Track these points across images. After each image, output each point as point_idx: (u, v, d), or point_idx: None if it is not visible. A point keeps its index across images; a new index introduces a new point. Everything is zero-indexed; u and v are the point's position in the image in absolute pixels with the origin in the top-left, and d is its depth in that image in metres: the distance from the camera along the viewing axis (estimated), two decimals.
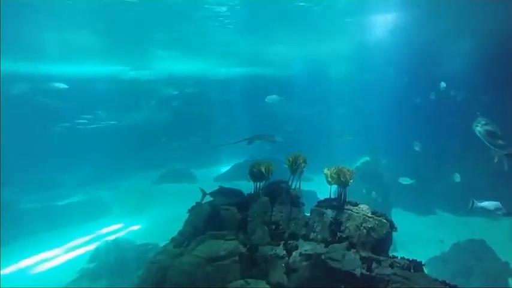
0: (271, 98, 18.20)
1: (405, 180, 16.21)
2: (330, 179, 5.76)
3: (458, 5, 14.28)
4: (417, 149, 17.12)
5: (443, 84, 16.30)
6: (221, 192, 5.96)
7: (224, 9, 15.91)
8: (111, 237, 13.46)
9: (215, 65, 29.96)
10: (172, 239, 6.12)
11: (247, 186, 6.33)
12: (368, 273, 4.64)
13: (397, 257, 5.08)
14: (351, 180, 5.73)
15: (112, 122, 23.80)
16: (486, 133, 8.48)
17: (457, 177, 15.13)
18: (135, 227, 15.26)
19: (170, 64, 28.68)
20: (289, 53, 25.80)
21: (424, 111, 18.87)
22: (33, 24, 16.56)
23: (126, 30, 19.05)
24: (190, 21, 17.77)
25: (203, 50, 24.44)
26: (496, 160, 8.99)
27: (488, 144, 8.69)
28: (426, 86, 18.43)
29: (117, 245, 12.42)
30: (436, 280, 4.54)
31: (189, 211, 6.42)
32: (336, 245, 5.22)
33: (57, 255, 12.96)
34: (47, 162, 20.13)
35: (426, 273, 4.83)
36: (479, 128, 8.57)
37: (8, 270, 11.91)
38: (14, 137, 18.48)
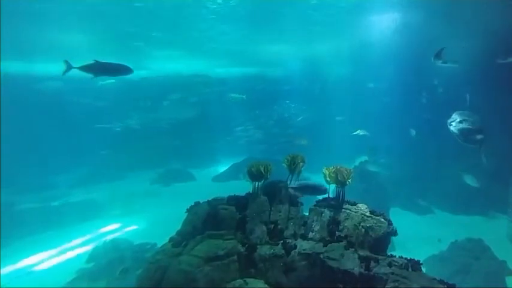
0: (233, 96, 18.89)
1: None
2: (328, 179, 5.78)
3: (457, 5, 14.32)
4: (413, 134, 17.12)
5: (435, 82, 16.32)
6: (304, 187, 5.82)
7: (223, 7, 15.93)
8: (109, 237, 13.46)
9: (214, 65, 29.97)
10: (171, 239, 6.13)
11: (245, 186, 6.34)
12: (366, 272, 4.66)
13: (395, 256, 5.09)
14: (349, 180, 5.75)
15: (112, 123, 23.78)
16: (460, 132, 7.89)
17: (469, 179, 13.87)
18: (133, 227, 15.23)
19: (167, 64, 28.66)
20: (287, 52, 25.80)
21: (422, 112, 18.91)
22: (36, 24, 16.59)
23: (124, 29, 19.03)
24: (189, 20, 17.77)
25: (203, 49, 24.43)
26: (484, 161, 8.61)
27: (463, 143, 8.30)
28: (426, 86, 18.52)
29: (115, 245, 12.41)
30: (434, 279, 4.55)
31: (188, 211, 6.42)
32: (334, 244, 5.23)
33: (56, 256, 12.91)
34: (44, 162, 20.10)
35: (424, 272, 4.85)
36: (452, 128, 8.00)
37: (6, 270, 11.88)
38: (10, 136, 18.49)
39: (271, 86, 28.32)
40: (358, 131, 16.51)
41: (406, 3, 15.52)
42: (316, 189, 5.75)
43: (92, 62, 7.01)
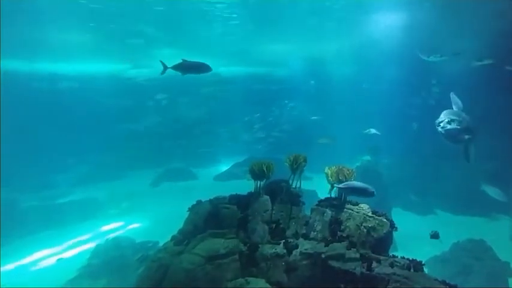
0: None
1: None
2: (330, 178, 5.77)
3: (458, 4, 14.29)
4: (415, 128, 17.07)
5: (433, 82, 16.33)
6: (351, 188, 5.70)
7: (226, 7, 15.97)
8: (111, 236, 13.49)
9: (216, 64, 29.90)
10: (173, 237, 6.15)
11: (247, 185, 6.33)
12: (368, 272, 4.65)
13: (397, 257, 5.07)
14: (351, 180, 5.73)
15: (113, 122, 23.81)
16: (447, 133, 7.50)
17: (493, 192, 12.66)
18: (135, 225, 15.27)
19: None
20: (291, 52, 25.78)
21: (423, 111, 18.85)
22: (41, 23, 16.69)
23: (127, 28, 19.08)
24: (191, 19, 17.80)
25: (204, 49, 24.45)
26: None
27: (452, 144, 8.05)
28: (427, 85, 18.49)
29: (117, 243, 12.44)
30: (436, 280, 4.54)
31: (189, 210, 6.44)
32: (336, 244, 5.22)
33: (58, 253, 12.96)
34: (46, 160, 20.15)
35: (426, 272, 4.83)
36: (440, 129, 7.58)
37: (8, 267, 11.93)
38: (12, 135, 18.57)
39: (272, 86, 28.31)
40: (369, 130, 16.51)
41: (408, 3, 15.49)
42: (363, 191, 5.67)
43: (180, 61, 7.60)
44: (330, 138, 16.23)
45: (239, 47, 24.01)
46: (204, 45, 23.43)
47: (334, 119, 23.35)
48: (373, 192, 5.53)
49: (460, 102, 8.32)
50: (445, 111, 7.84)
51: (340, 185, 5.65)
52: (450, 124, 7.47)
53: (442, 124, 7.53)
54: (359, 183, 5.70)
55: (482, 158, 16.76)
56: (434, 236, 7.88)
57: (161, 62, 7.72)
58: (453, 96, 8.41)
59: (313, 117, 23.01)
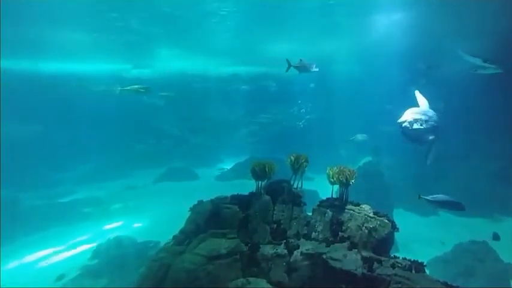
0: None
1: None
2: (332, 179, 5.76)
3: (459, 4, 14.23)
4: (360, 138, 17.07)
5: (422, 81, 16.36)
6: (442, 202, 5.75)
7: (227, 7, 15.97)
8: (113, 235, 13.50)
9: (218, 64, 29.96)
10: (174, 237, 6.15)
11: (249, 185, 6.33)
12: (369, 273, 4.64)
13: (398, 258, 5.07)
14: (353, 180, 5.72)
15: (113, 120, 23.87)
16: (407, 135, 7.07)
17: None
18: (137, 225, 15.29)
19: (170, 63, 28.73)
20: (293, 51, 25.74)
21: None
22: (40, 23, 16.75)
23: (129, 27, 19.10)
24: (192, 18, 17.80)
25: (206, 48, 24.48)
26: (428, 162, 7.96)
27: (416, 146, 7.75)
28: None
29: (118, 243, 12.46)
30: (438, 281, 4.53)
31: (191, 209, 6.44)
32: (337, 245, 5.21)
33: (59, 252, 12.99)
34: (50, 159, 20.23)
35: (428, 273, 4.82)
36: (402, 130, 7.08)
37: (9, 266, 11.97)
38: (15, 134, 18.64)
39: (273, 86, 28.35)
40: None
41: (409, 3, 15.42)
42: (453, 205, 5.57)
43: (298, 60, 8.60)
44: (364, 136, 16.35)
45: (240, 46, 24.00)
46: (205, 46, 23.45)
47: (335, 119, 23.36)
48: (464, 206, 5.53)
49: (425, 101, 7.90)
50: (408, 110, 7.32)
51: (429, 197, 5.54)
52: (412, 125, 7.03)
53: (403, 124, 7.07)
54: (447, 196, 5.64)
55: (485, 158, 16.76)
56: (496, 237, 7.86)
57: (287, 60, 8.23)
58: (418, 94, 8.05)
59: (308, 116, 23.04)
